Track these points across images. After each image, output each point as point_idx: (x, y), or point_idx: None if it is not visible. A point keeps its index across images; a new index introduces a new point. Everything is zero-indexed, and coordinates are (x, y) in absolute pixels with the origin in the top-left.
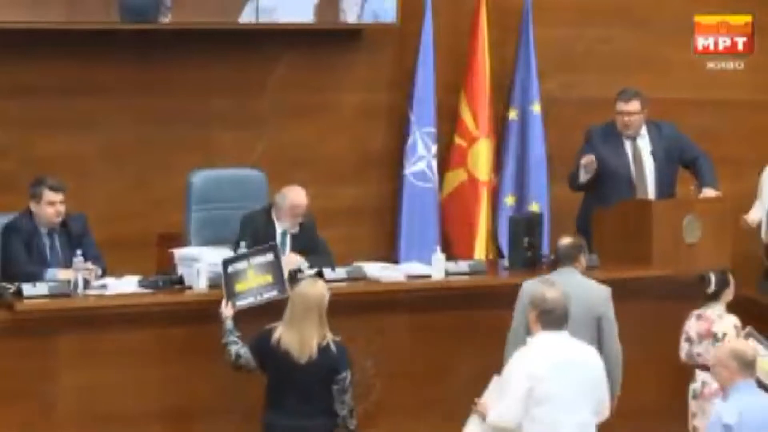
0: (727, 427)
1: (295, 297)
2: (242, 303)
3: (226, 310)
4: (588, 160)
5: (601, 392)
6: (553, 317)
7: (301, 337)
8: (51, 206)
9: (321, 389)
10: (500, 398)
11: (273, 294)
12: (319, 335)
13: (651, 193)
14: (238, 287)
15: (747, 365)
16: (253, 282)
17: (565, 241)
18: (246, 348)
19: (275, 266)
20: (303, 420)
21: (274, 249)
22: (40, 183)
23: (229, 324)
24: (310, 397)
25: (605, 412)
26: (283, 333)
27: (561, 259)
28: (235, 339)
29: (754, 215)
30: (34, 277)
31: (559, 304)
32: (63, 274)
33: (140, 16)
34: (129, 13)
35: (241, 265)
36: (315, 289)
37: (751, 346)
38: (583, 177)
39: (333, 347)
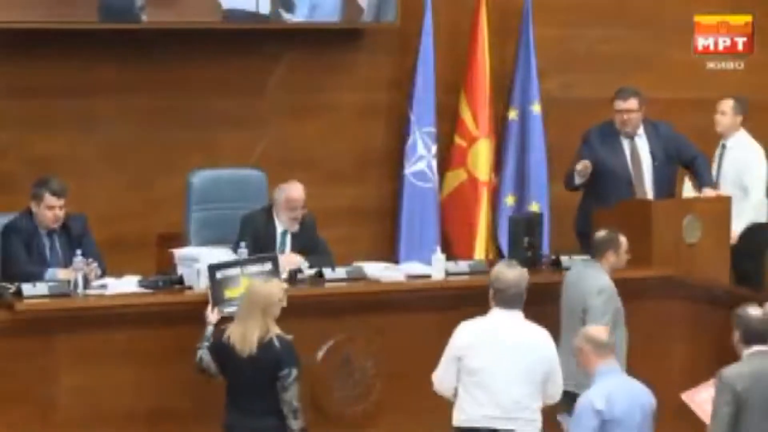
0: (599, 412)
1: (245, 293)
2: (231, 309)
3: (212, 316)
4: (583, 165)
5: (548, 376)
6: (505, 296)
7: (243, 332)
8: (50, 210)
9: (270, 387)
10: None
11: None
12: (261, 331)
13: (649, 192)
14: (228, 294)
15: (601, 347)
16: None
17: (600, 233)
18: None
19: (273, 276)
20: (259, 419)
21: (273, 259)
22: (42, 185)
23: (209, 330)
24: (261, 395)
25: (554, 396)
26: (231, 329)
27: (592, 250)
28: (207, 345)
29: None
30: (34, 277)
31: (512, 283)
32: (63, 273)
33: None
34: (128, 13)
35: (232, 272)
36: (263, 286)
37: (604, 329)
38: (577, 180)
39: (277, 343)
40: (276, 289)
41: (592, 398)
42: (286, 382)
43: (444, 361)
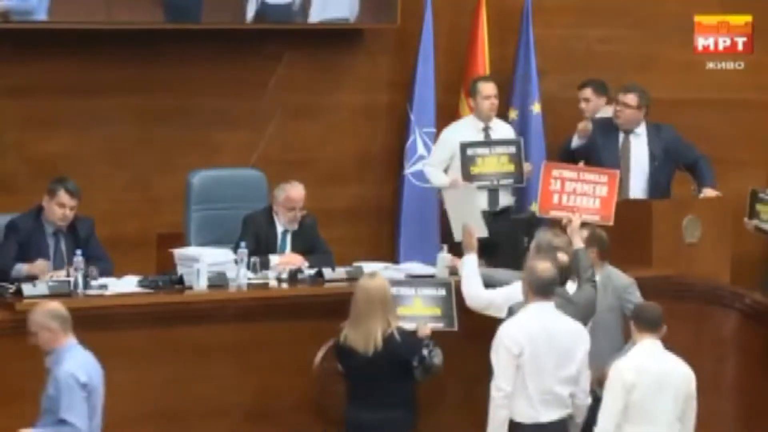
0: (84, 385)
1: (357, 293)
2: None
3: None
4: (584, 124)
5: None
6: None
7: (365, 332)
8: (61, 207)
9: (393, 380)
10: None
11: (440, 326)
12: (383, 326)
13: (633, 190)
14: (401, 311)
15: (67, 322)
16: (419, 310)
17: None
18: None
19: (446, 302)
20: (381, 413)
21: (447, 286)
22: (59, 182)
23: None
24: (385, 390)
25: None
26: (348, 331)
27: None
28: None
29: None
30: (5, 271)
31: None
32: (27, 269)
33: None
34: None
35: (406, 291)
36: (375, 282)
37: (60, 306)
38: (576, 142)
39: (397, 336)
40: (386, 281)
41: (73, 371)
42: (426, 361)
43: None
